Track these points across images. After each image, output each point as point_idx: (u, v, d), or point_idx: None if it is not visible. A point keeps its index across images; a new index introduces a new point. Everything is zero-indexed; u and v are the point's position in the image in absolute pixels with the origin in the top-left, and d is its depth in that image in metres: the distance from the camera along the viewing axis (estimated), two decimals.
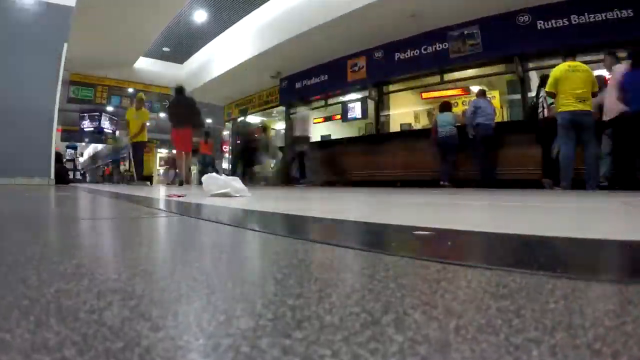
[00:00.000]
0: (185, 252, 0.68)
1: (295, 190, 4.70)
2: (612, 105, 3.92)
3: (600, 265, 0.60)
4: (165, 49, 10.61)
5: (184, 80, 11.47)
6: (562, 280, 0.44)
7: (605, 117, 4.02)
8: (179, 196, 2.67)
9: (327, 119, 9.82)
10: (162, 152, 22.72)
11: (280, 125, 11.56)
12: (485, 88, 6.27)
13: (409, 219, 1.19)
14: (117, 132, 15.46)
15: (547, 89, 4.13)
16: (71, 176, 12.60)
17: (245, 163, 8.06)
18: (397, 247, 0.75)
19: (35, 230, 0.99)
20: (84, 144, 20.59)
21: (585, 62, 4.21)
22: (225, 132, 14.78)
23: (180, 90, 6.18)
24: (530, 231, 0.85)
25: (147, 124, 6.92)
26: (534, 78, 6.15)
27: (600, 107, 4.07)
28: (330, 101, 9.25)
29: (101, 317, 0.32)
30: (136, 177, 6.89)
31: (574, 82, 3.90)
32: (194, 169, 9.94)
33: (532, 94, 5.95)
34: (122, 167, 19.87)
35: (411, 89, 7.96)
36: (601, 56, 4.54)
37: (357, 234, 0.95)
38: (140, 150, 6.75)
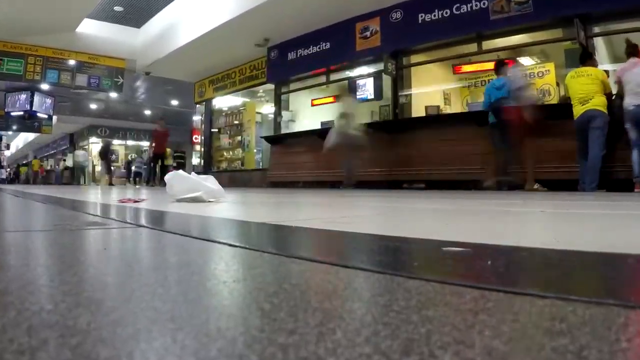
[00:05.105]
0: (144, 274, 0.68)
1: (283, 193, 4.71)
2: None
3: None
4: (117, 8, 10.62)
5: (141, 49, 11.51)
6: (636, 311, 0.44)
7: None
8: (135, 201, 2.68)
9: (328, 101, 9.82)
10: (115, 144, 22.70)
11: (267, 109, 11.55)
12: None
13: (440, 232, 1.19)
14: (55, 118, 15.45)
15: None
16: None
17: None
18: (421, 267, 0.75)
19: None
20: (10, 132, 20.59)
21: None
22: (197, 117, 14.75)
23: None
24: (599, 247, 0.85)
25: None
26: (600, 47, 6.14)
27: None
28: (334, 77, 9.25)
29: None
30: None
31: None
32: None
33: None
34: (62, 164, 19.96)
35: (440, 60, 7.96)
36: None
37: (368, 251, 0.95)
38: None
